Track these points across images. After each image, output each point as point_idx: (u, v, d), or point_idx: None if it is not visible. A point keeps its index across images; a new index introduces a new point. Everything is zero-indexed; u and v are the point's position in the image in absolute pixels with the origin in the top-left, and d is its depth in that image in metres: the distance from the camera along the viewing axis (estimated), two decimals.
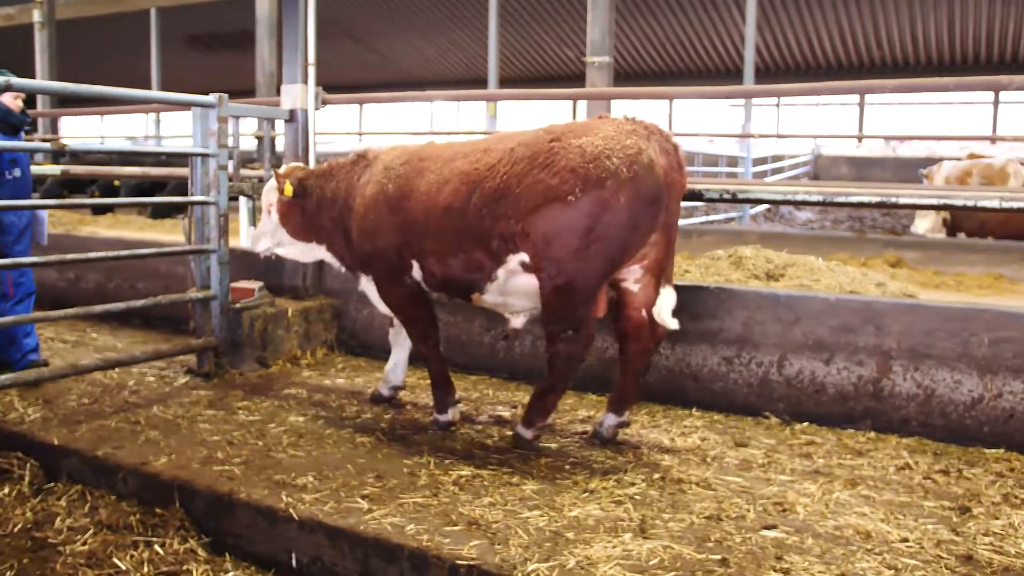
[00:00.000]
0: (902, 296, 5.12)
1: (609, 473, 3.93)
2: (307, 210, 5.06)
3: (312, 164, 6.24)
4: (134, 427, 4.51)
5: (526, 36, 24.20)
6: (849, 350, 4.75)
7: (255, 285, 5.92)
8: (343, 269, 5.23)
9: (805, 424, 4.76)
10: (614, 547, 3.15)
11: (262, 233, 5.49)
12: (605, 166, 3.88)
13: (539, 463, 4.06)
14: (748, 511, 3.52)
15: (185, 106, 5.45)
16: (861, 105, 23.94)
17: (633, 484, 3.79)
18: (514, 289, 4.31)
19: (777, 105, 24.52)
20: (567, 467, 4.02)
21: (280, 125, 6.37)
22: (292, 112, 6.19)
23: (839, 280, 5.17)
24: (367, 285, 5.02)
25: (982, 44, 21.61)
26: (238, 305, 5.73)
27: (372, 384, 5.52)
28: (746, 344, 4.99)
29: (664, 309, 4.22)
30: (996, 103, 22.47)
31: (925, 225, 9.82)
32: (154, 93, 4.82)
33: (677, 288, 4.33)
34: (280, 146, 6.52)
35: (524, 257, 4.12)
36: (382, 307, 5.01)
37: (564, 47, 24.30)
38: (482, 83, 22.44)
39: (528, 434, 4.34)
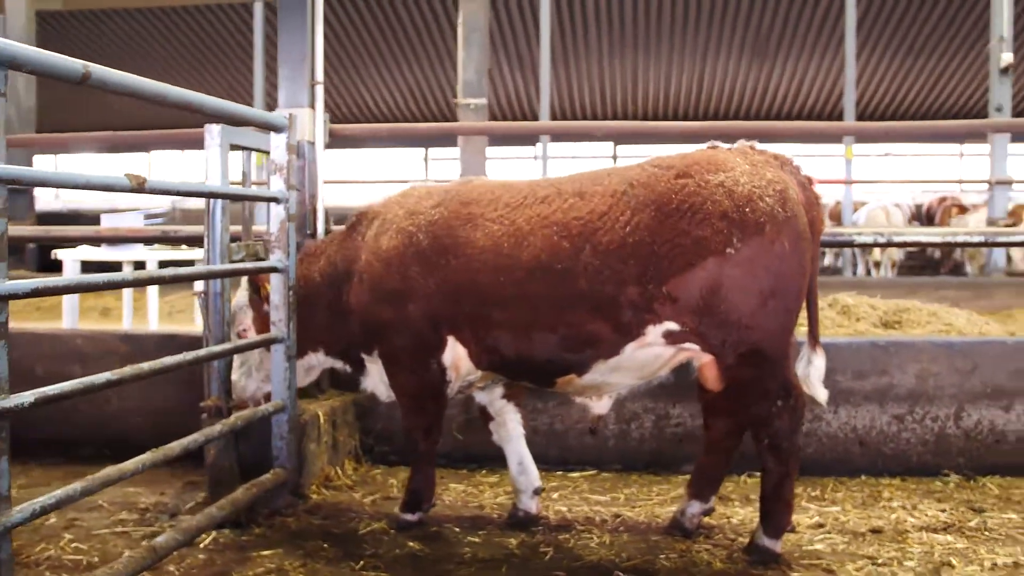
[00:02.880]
0: None
1: None
2: (296, 317, 3.93)
3: (321, 223, 4.77)
4: None
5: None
6: None
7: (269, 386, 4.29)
8: (348, 369, 4.08)
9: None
10: None
11: (241, 373, 4.03)
12: (760, 208, 3.23)
13: None
14: None
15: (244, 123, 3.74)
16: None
17: None
18: (630, 365, 3.46)
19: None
20: None
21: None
22: (298, 145, 4.65)
23: (959, 324, 4.88)
24: (371, 367, 3.94)
25: (723, 99, 23.97)
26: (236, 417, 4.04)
27: (474, 500, 4.22)
28: (920, 399, 4.50)
29: (814, 378, 3.51)
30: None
31: None
32: (222, 103, 3.11)
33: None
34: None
35: (672, 326, 3.31)
36: (384, 392, 3.96)
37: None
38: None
39: (777, 546, 3.42)
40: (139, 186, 2.60)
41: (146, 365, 2.95)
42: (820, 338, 3.56)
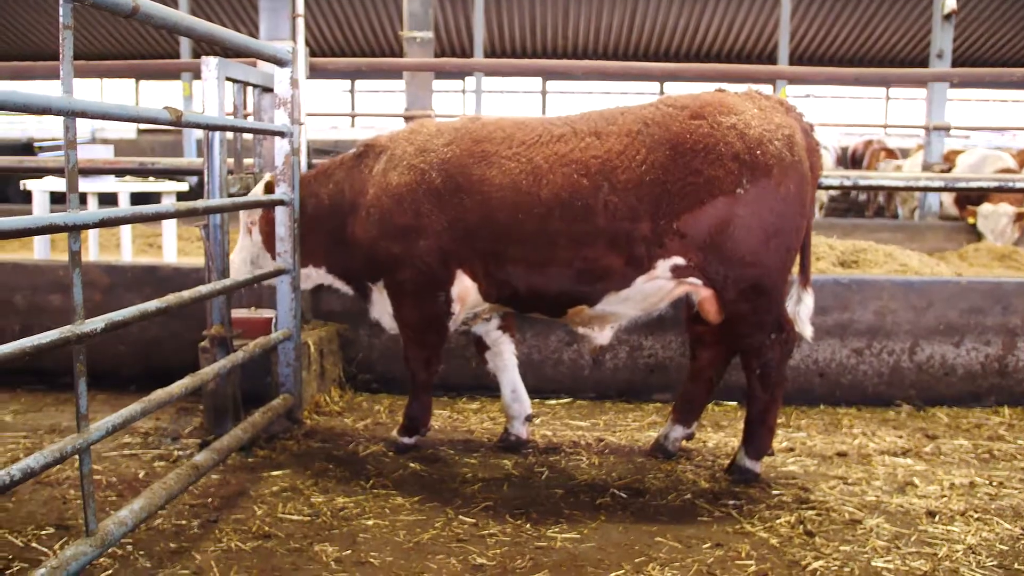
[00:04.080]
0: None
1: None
2: (301, 229, 4.01)
3: (304, 155, 4.75)
4: None
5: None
6: (977, 331, 4.80)
7: (269, 314, 4.35)
8: (351, 292, 4.18)
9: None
10: None
11: (242, 260, 4.22)
12: (769, 151, 3.40)
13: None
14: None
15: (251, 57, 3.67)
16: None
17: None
18: (638, 296, 3.63)
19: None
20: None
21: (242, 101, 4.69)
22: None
23: (913, 264, 5.19)
24: (379, 299, 4.02)
25: (654, 37, 23.98)
26: (254, 344, 4.14)
27: (462, 425, 4.40)
28: (878, 334, 4.81)
29: (802, 316, 3.74)
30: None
31: (1001, 224, 8.61)
32: (218, 29, 3.03)
33: None
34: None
35: (678, 261, 3.48)
36: (389, 323, 4.06)
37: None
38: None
39: (758, 467, 3.70)
40: (177, 119, 2.61)
41: (186, 293, 2.98)
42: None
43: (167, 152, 17.47)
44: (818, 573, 2.83)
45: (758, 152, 3.39)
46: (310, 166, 4.76)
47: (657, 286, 3.57)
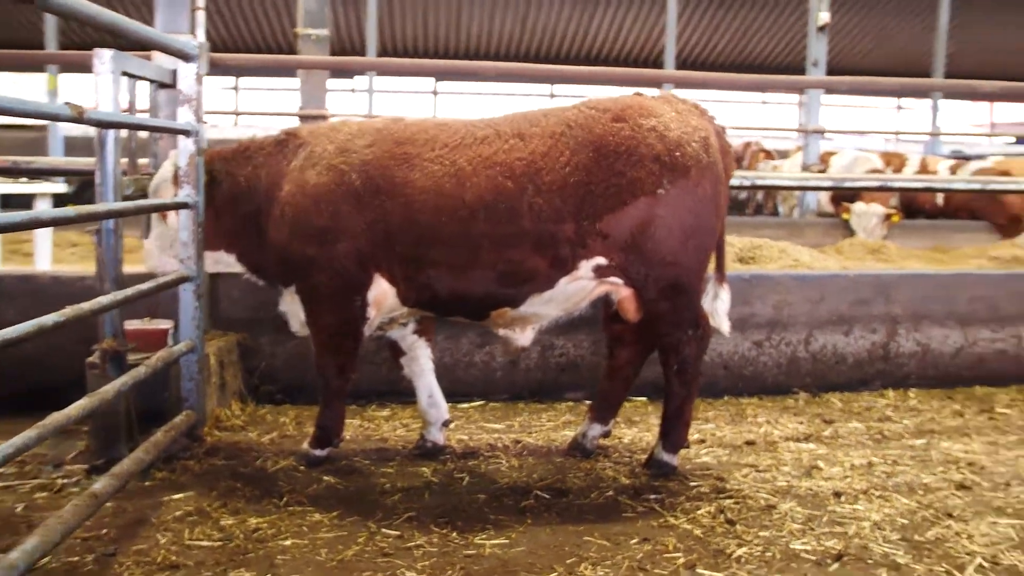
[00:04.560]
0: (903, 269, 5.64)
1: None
2: (216, 207, 3.84)
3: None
4: None
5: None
6: (864, 320, 5.06)
7: (165, 324, 4.12)
8: (260, 282, 4.04)
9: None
10: None
11: (157, 246, 4.04)
12: (688, 152, 3.52)
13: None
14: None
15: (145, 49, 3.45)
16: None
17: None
18: (561, 297, 3.67)
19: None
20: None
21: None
22: (175, 74, 4.33)
23: (804, 259, 5.44)
24: (289, 302, 3.91)
25: (546, 41, 24.28)
26: (156, 359, 3.92)
27: (375, 434, 4.30)
28: (776, 326, 5.00)
29: (720, 311, 3.85)
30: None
31: (872, 223, 8.89)
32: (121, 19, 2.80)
33: None
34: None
35: (601, 261, 3.54)
36: (297, 326, 3.95)
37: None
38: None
39: (675, 460, 3.78)
40: (79, 116, 2.43)
41: (86, 305, 2.77)
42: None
43: (27, 151, 16.41)
44: (743, 559, 2.90)
45: (677, 154, 3.46)
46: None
47: (579, 286, 3.59)
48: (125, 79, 3.87)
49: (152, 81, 3.95)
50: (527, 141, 3.51)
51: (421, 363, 4.05)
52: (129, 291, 3.17)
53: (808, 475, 3.70)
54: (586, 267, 3.54)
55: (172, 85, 4.22)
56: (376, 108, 17.31)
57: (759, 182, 5.13)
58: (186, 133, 3.64)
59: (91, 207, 2.94)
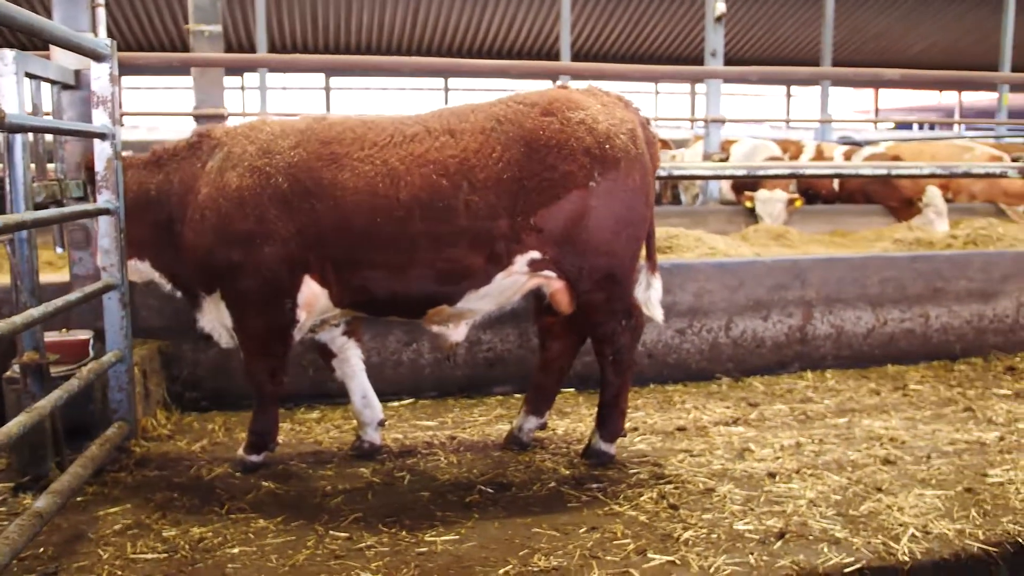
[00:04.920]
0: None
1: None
2: (128, 215, 3.74)
3: None
4: None
5: None
6: (781, 305, 5.26)
7: (84, 335, 3.94)
8: (176, 292, 3.93)
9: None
10: None
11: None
12: (616, 144, 3.59)
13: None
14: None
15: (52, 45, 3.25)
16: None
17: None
18: (496, 292, 3.70)
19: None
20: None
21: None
22: (78, 74, 4.13)
23: (720, 247, 5.61)
24: (212, 309, 3.80)
25: (437, 33, 24.16)
26: (88, 370, 3.73)
27: (308, 437, 4.22)
28: (697, 313, 5.14)
29: (653, 300, 3.93)
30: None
31: (777, 209, 9.06)
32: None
33: None
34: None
35: (535, 255, 3.58)
36: (225, 337, 3.88)
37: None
38: None
39: (613, 449, 3.86)
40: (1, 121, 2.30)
41: (18, 319, 2.62)
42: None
43: None
44: (690, 542, 2.99)
45: (607, 146, 3.51)
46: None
47: (513, 280, 3.61)
48: (28, 80, 3.69)
49: (55, 82, 3.77)
50: (458, 138, 3.50)
51: (352, 364, 4.00)
52: (59, 302, 3.01)
53: (741, 457, 3.84)
54: (521, 262, 3.56)
55: (75, 86, 4.05)
56: (269, 105, 16.96)
57: (675, 172, 5.25)
58: (102, 136, 3.48)
59: (5, 217, 2.78)
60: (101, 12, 4.24)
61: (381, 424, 4.04)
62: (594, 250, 3.54)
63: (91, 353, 3.91)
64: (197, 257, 3.59)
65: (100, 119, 3.51)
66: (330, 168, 3.46)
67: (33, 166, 3.61)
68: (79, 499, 3.40)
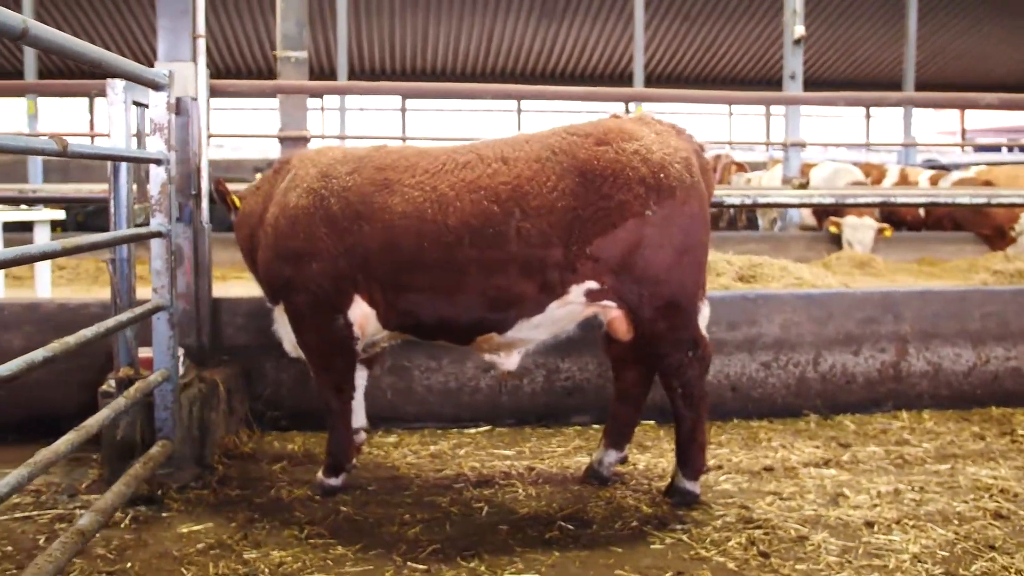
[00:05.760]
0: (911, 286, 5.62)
1: None
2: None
3: (205, 182, 4.43)
4: None
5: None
6: (873, 339, 5.05)
7: (149, 352, 4.00)
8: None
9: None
10: None
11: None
12: (671, 173, 3.54)
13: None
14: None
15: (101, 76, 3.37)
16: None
17: None
18: (549, 322, 3.66)
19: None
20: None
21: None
22: (179, 102, 4.25)
23: (806, 277, 5.43)
24: (279, 316, 3.95)
25: (511, 58, 24.32)
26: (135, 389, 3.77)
27: (385, 461, 4.20)
28: (784, 346, 4.97)
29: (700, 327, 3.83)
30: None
31: (868, 236, 8.92)
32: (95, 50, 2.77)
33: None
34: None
35: (592, 285, 3.54)
36: (290, 348, 3.97)
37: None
38: None
39: (697, 488, 3.72)
40: (64, 150, 2.38)
41: (71, 339, 2.68)
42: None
43: (6, 176, 16.14)
44: None
45: (661, 175, 3.49)
46: None
47: (569, 310, 3.60)
48: (136, 108, 3.81)
49: None
50: (511, 165, 3.53)
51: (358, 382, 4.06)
52: (125, 315, 3.10)
53: (835, 503, 3.66)
54: (577, 291, 3.54)
55: (177, 113, 4.20)
56: (348, 126, 17.29)
57: (760, 200, 5.11)
58: (157, 162, 3.60)
59: (77, 239, 2.84)
60: (201, 43, 4.37)
61: (367, 431, 4.18)
62: (653, 278, 3.50)
63: (182, 369, 3.98)
64: (262, 270, 3.81)
65: (156, 145, 3.64)
66: (381, 192, 3.56)
67: (135, 187, 3.73)
68: (165, 514, 3.46)
